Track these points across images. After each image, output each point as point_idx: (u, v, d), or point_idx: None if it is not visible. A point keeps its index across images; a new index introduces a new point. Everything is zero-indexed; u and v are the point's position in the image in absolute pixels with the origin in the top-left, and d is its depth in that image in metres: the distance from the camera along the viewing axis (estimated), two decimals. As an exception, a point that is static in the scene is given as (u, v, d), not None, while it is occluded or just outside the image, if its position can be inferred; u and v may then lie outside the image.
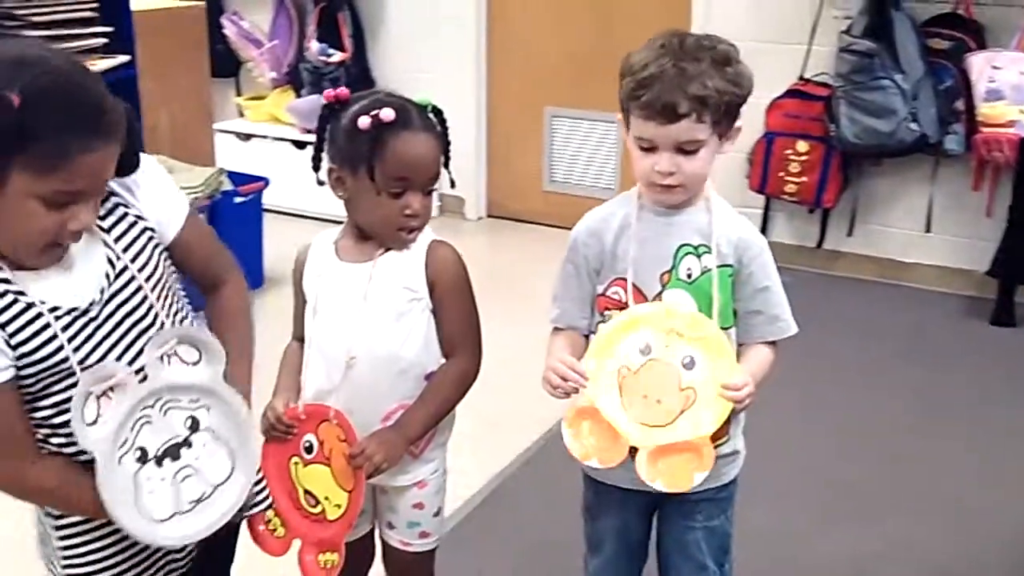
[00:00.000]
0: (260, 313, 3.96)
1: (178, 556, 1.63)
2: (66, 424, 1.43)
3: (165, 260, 1.58)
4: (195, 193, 3.86)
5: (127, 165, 1.49)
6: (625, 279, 1.73)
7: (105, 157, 1.37)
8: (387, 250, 1.78)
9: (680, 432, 1.65)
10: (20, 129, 1.28)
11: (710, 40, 1.66)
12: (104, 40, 3.51)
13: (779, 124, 4.37)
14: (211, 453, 1.52)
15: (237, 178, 4.24)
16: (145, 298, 1.51)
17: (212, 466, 1.52)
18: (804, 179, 4.37)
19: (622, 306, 1.73)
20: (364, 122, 1.69)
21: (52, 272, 1.45)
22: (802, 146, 4.34)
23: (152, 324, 1.51)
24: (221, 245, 1.73)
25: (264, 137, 5.34)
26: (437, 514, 1.93)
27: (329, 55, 5.21)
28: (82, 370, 1.44)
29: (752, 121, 4.39)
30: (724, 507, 1.85)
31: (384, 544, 1.96)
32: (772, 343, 1.76)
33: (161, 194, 1.59)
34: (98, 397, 1.42)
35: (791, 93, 4.38)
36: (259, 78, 5.54)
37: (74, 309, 1.45)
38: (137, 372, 1.47)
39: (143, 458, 1.46)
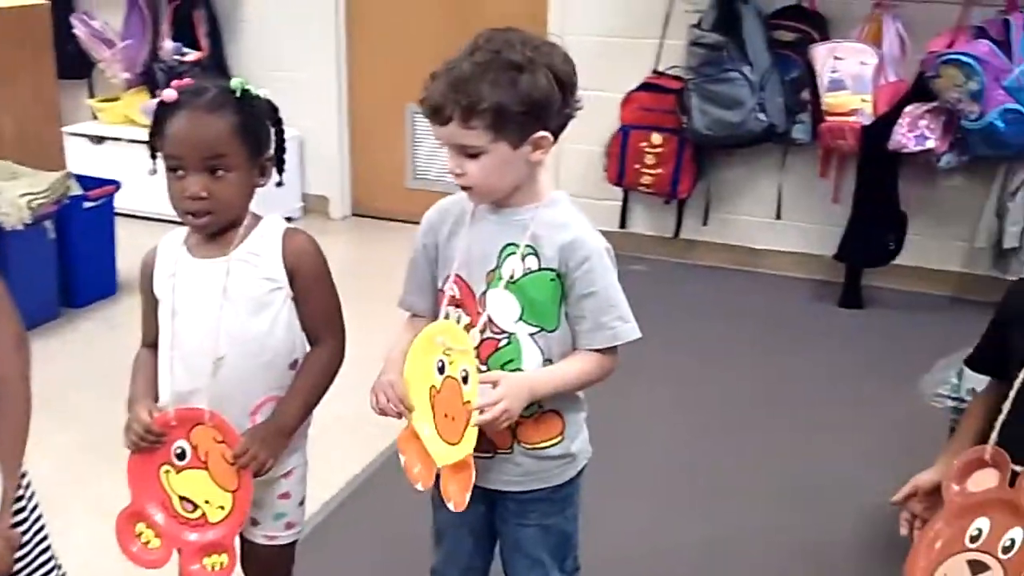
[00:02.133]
0: (115, 321, 3.94)
1: None
2: None
3: None
4: (40, 199, 3.74)
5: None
6: (459, 275, 1.75)
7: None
8: (240, 242, 1.77)
9: (463, 449, 1.68)
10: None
11: (515, 42, 1.62)
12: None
13: (633, 117, 4.45)
14: None
15: (88, 182, 4.12)
16: None
17: None
18: (659, 171, 4.46)
19: (457, 302, 1.75)
20: (152, 105, 1.73)
21: None
22: (656, 138, 4.43)
23: None
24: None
25: (118, 140, 5.19)
26: (301, 503, 1.94)
27: (184, 54, 5.11)
28: None
29: (607, 115, 4.46)
30: (562, 507, 1.84)
31: (244, 543, 1.93)
32: (600, 350, 1.74)
33: None
34: None
35: (645, 87, 4.46)
36: (112, 79, 5.40)
37: None
38: None
39: None
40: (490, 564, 1.97)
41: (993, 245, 4.13)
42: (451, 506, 1.72)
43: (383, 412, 1.77)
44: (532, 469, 1.76)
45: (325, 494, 2.81)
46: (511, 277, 1.70)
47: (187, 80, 1.78)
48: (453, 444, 1.70)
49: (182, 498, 1.80)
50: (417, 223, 1.85)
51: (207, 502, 1.79)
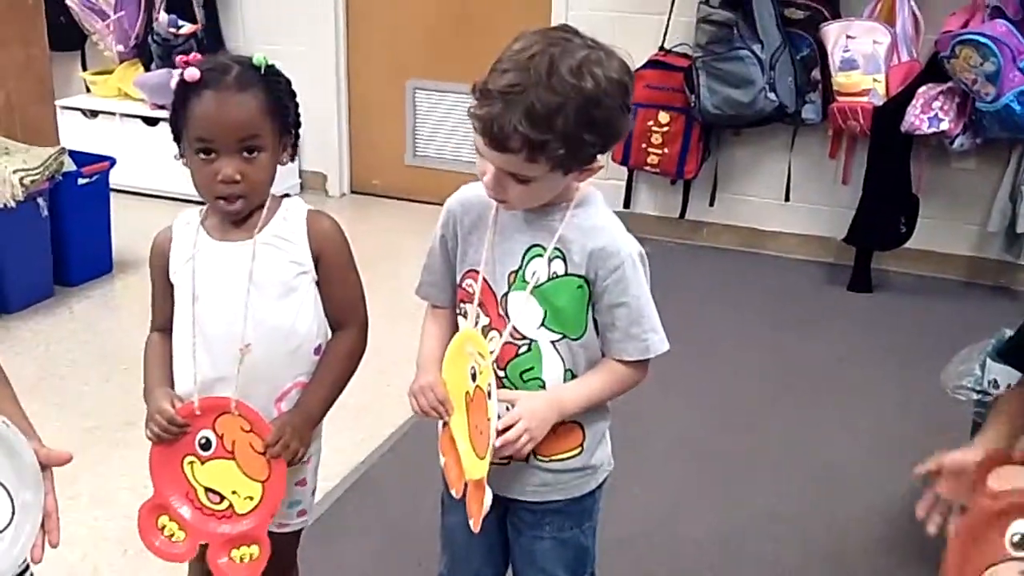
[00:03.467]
0: (111, 300, 3.86)
1: None
2: None
3: None
4: (34, 175, 3.64)
5: None
6: (477, 271, 1.65)
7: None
8: (264, 225, 1.69)
9: (483, 468, 1.59)
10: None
11: (590, 67, 1.44)
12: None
13: (641, 95, 4.34)
14: None
15: (81, 158, 4.02)
16: None
17: None
18: (666, 150, 4.38)
19: (476, 300, 1.65)
20: (173, 84, 1.63)
21: None
22: (664, 117, 4.34)
23: None
24: None
25: (112, 114, 5.10)
26: (314, 491, 1.89)
27: (179, 27, 5.00)
28: None
29: (614, 92, 4.36)
30: (579, 520, 1.75)
31: None
32: (630, 362, 1.65)
33: None
34: None
35: (651, 64, 4.35)
36: (105, 52, 5.29)
37: None
38: None
39: None
40: (502, 574, 1.88)
41: (1006, 229, 4.07)
42: (471, 523, 1.64)
43: (426, 414, 1.68)
44: (549, 480, 1.68)
45: (327, 484, 2.74)
46: (535, 281, 1.60)
47: (196, 55, 1.69)
48: (481, 458, 1.61)
49: (208, 489, 1.73)
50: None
51: (234, 493, 1.72)
